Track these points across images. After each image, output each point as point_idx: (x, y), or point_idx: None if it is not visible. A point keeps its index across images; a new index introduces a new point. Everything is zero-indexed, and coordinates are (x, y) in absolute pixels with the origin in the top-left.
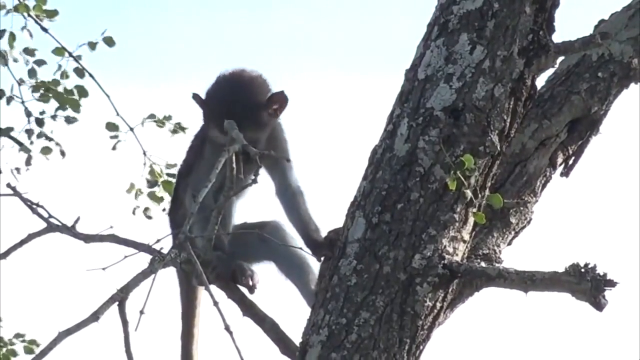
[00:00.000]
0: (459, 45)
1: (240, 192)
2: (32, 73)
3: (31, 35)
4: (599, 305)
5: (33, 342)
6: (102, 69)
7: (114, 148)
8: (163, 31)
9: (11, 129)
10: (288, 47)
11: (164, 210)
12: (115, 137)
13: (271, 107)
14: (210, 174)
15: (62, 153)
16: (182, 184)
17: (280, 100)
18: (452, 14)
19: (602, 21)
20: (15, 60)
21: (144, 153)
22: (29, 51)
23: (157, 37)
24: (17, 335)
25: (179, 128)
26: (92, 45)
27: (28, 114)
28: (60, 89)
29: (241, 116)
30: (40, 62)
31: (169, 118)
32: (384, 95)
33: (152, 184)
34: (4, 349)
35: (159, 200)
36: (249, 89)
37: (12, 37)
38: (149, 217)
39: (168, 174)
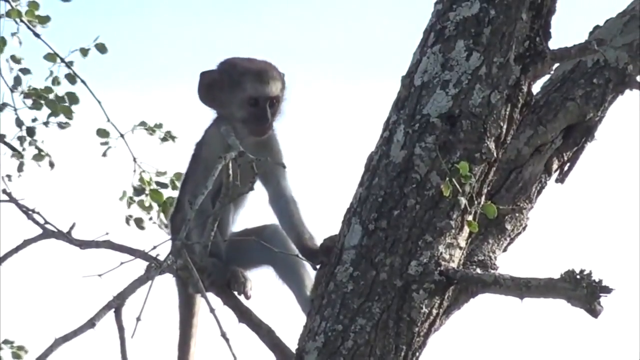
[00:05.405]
0: (456, 52)
1: (236, 198)
2: (17, 81)
3: (20, 43)
4: (594, 312)
5: (21, 348)
6: (92, 74)
7: (104, 155)
8: (154, 38)
9: (3, 136)
10: (282, 54)
11: (150, 219)
12: (106, 143)
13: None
14: (206, 177)
15: (51, 164)
16: (183, 189)
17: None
18: (448, 21)
19: (597, 27)
20: None
21: (134, 160)
22: (16, 59)
23: (148, 44)
24: (6, 342)
25: (169, 137)
26: (84, 52)
27: (19, 123)
28: (51, 96)
29: (276, 75)
30: (26, 71)
31: (159, 126)
32: (380, 102)
33: (138, 191)
34: None
35: (148, 209)
36: (270, 62)
37: (3, 42)
38: (142, 228)
39: (157, 183)
